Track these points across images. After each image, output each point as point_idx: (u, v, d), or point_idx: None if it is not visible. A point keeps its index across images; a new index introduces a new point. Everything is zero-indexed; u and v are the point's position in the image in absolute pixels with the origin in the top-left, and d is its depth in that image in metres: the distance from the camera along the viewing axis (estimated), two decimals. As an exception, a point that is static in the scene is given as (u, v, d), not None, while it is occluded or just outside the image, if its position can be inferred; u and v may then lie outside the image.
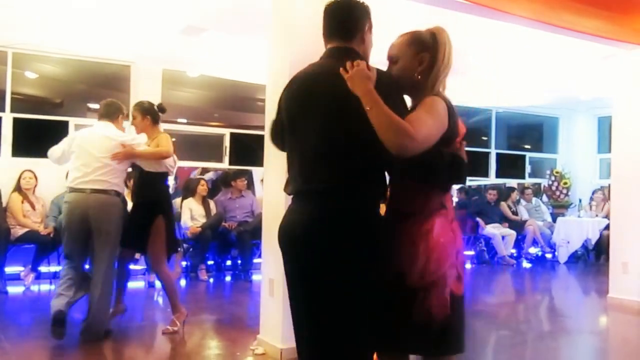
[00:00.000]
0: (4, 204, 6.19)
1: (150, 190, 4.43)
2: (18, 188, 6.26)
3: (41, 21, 5.82)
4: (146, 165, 4.39)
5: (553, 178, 10.16)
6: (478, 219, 9.03)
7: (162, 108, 4.68)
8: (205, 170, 8.29)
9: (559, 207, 9.97)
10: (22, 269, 6.27)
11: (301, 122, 2.04)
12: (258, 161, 6.66)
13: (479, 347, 4.57)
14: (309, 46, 3.91)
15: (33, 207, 6.27)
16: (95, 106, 7.64)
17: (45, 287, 6.12)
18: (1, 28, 6.06)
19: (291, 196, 2.08)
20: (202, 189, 7.22)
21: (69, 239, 4.16)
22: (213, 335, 4.72)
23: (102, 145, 4.19)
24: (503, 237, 8.90)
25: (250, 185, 7.99)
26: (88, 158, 4.15)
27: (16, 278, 6.18)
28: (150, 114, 4.56)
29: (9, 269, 6.13)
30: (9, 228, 6.00)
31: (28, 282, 6.13)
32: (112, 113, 4.40)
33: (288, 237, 2.03)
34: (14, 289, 5.96)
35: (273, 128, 2.28)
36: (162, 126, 7.58)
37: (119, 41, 6.57)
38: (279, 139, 2.24)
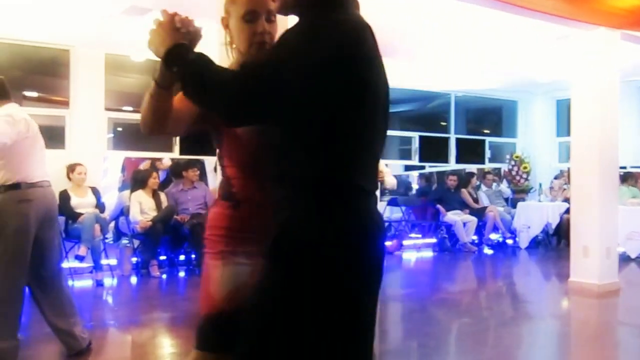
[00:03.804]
0: None
1: None
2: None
3: (-32, 2, 5.40)
4: None
5: (513, 162, 10.16)
6: (438, 206, 8.95)
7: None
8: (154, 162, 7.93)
9: (520, 192, 9.97)
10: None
11: None
12: (210, 150, 6.36)
13: (441, 335, 4.59)
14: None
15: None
16: (33, 94, 7.25)
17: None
18: None
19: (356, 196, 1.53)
20: (153, 182, 6.91)
21: None
22: (167, 333, 4.62)
23: None
24: (464, 224, 8.82)
25: (203, 176, 7.72)
26: None
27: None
28: None
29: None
30: None
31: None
32: None
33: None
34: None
35: None
36: (107, 114, 7.30)
37: (56, 23, 6.16)
38: None
